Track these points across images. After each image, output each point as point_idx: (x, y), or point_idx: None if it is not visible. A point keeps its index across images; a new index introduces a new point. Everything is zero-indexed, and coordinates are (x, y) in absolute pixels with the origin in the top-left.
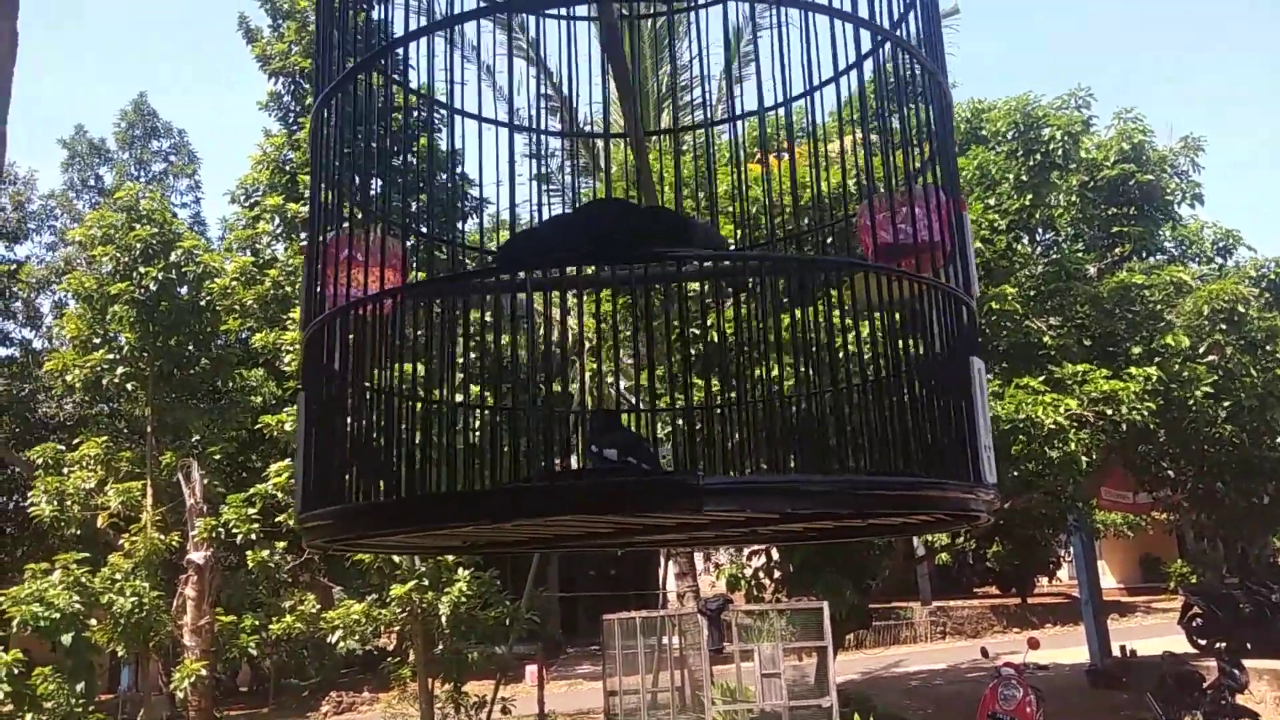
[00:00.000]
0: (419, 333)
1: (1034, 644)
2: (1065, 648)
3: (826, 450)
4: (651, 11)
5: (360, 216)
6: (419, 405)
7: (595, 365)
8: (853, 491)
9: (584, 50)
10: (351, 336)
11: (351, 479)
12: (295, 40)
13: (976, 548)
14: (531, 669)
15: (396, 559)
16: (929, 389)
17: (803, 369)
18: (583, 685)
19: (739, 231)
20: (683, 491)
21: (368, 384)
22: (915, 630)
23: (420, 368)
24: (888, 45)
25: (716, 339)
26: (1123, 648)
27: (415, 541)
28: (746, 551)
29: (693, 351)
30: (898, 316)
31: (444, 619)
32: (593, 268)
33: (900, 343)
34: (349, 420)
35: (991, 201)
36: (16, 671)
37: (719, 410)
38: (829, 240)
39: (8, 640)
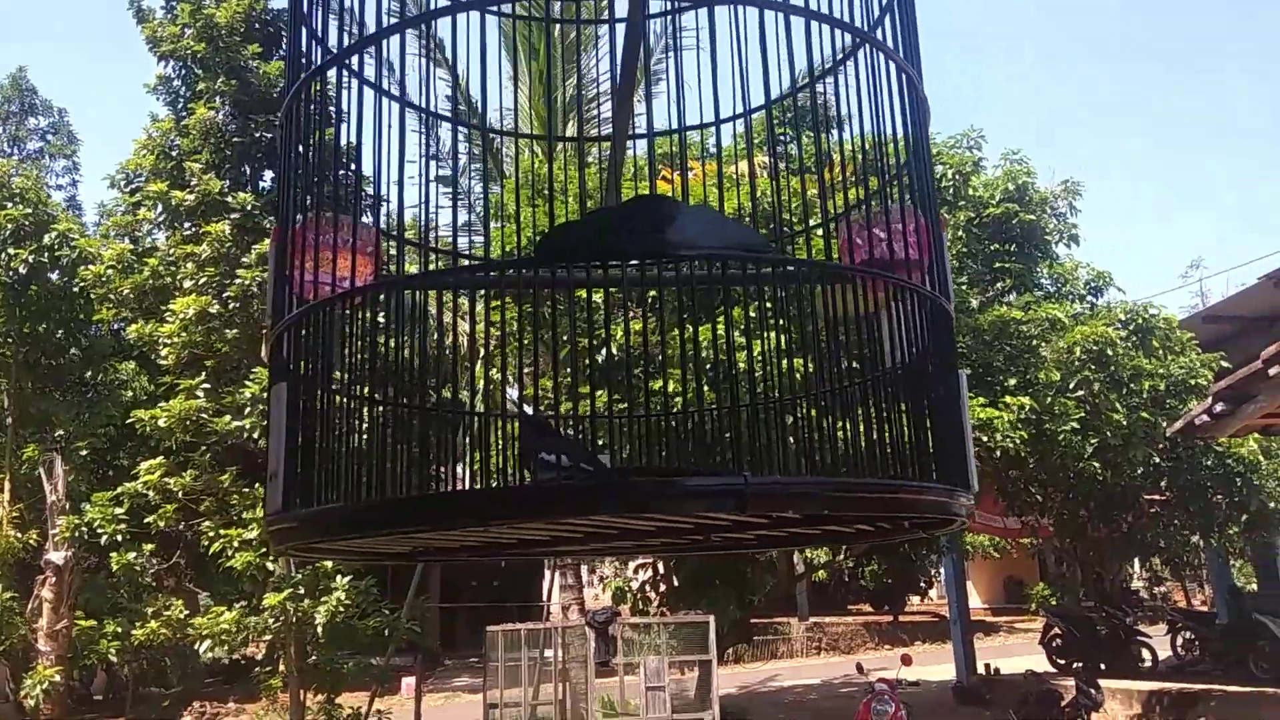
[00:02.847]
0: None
1: (907, 660)
2: (934, 665)
3: (825, 457)
4: (665, 10)
5: (325, 208)
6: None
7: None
8: (836, 493)
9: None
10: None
11: (325, 481)
12: (189, 23)
13: (854, 566)
14: (409, 681)
15: (271, 566)
16: (917, 396)
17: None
18: (460, 698)
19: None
20: (729, 493)
21: (344, 382)
22: (792, 645)
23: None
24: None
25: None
26: (987, 666)
27: (371, 546)
28: (633, 565)
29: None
30: (882, 325)
31: (320, 628)
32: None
33: (886, 351)
34: (324, 421)
35: None
36: None
37: (664, 417)
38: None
39: None
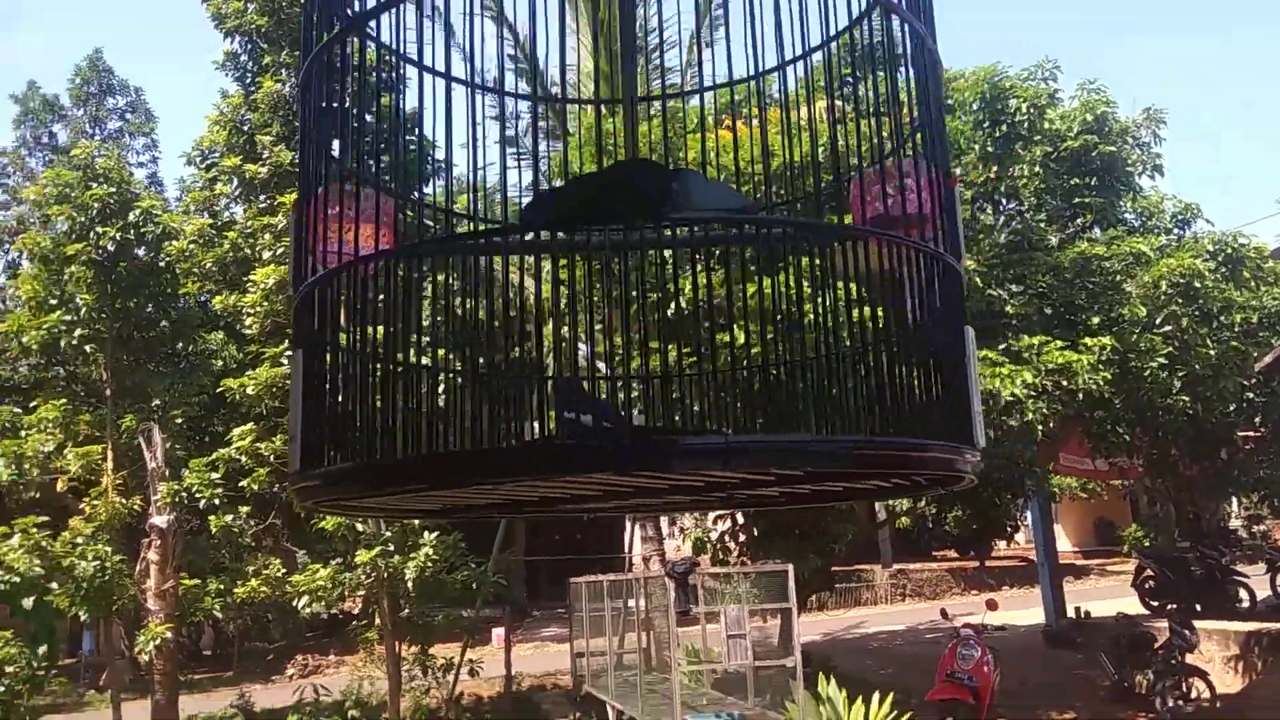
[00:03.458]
0: (404, 295)
1: (992, 605)
2: (1022, 610)
3: (821, 415)
4: None
5: (346, 177)
6: (411, 369)
7: (566, 330)
8: (857, 451)
9: (552, 12)
10: (346, 296)
11: (344, 440)
12: None
13: (937, 512)
14: (498, 632)
15: (360, 526)
16: (924, 355)
17: (779, 335)
18: (549, 647)
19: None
20: (711, 450)
21: (358, 345)
22: (876, 593)
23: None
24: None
25: (688, 305)
26: (1077, 609)
27: (397, 504)
28: (712, 516)
29: (657, 317)
30: (889, 283)
31: (410, 583)
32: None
33: (893, 310)
34: (343, 382)
35: (957, 171)
36: None
37: (688, 376)
38: (798, 208)
39: None
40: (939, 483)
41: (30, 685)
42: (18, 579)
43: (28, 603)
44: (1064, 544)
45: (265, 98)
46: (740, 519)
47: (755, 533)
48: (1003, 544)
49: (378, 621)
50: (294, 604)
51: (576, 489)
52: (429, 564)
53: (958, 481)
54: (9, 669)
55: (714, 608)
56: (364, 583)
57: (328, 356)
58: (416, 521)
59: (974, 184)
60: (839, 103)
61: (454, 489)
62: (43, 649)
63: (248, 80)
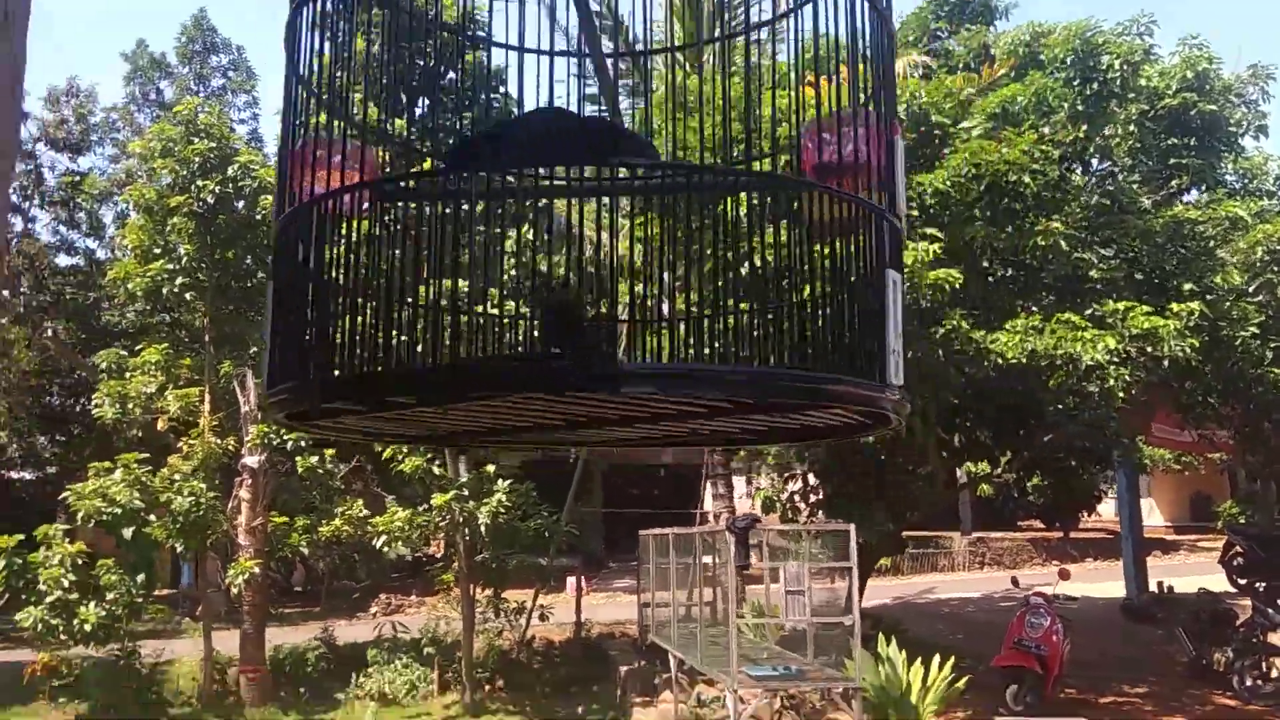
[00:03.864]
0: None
1: (1064, 575)
2: (1103, 582)
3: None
4: None
5: (337, 122)
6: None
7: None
8: (758, 382)
9: None
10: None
11: (313, 357)
12: None
13: (1016, 479)
14: (572, 580)
15: (436, 470)
16: (845, 298)
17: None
18: (621, 598)
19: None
20: (604, 374)
21: (332, 273)
22: (953, 559)
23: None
24: None
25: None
26: (1160, 584)
27: (377, 426)
28: (784, 475)
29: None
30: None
31: (483, 528)
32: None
33: (821, 256)
34: (313, 305)
35: (1045, 130)
36: (80, 563)
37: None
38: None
39: (74, 533)
40: (868, 423)
41: (129, 611)
42: (119, 510)
43: (127, 533)
44: (1156, 518)
45: (357, 55)
46: (812, 479)
47: (825, 494)
48: (1090, 516)
49: (455, 565)
50: (375, 544)
51: (542, 418)
52: (501, 510)
53: (884, 421)
54: (110, 595)
55: (775, 564)
56: (440, 525)
57: (297, 282)
58: (491, 468)
59: (1062, 143)
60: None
61: (391, 406)
62: (141, 578)
63: (338, 39)
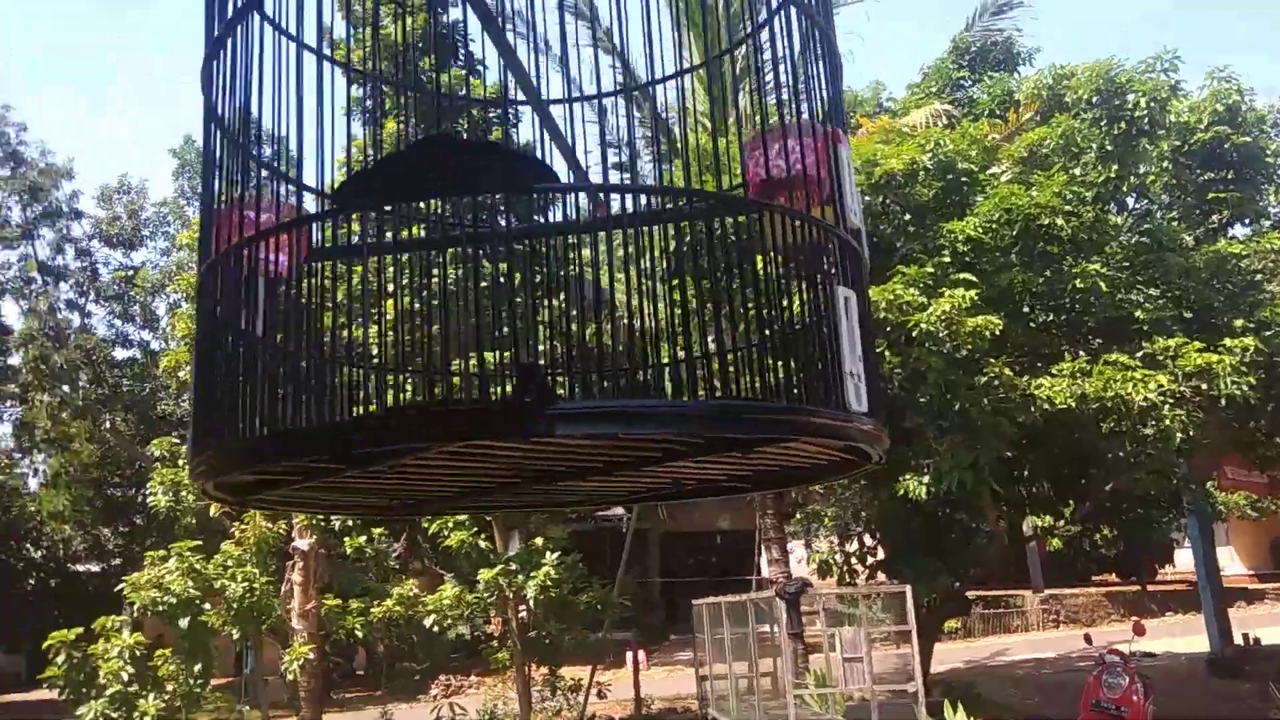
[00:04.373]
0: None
1: (1139, 630)
2: (1186, 636)
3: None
4: None
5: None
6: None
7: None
8: (698, 416)
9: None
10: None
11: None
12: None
13: (1083, 531)
14: (631, 655)
15: (482, 544)
16: (792, 323)
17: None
18: (683, 671)
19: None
20: (521, 415)
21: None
22: (1026, 619)
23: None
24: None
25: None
26: (1245, 636)
27: (331, 498)
28: (841, 536)
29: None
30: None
31: (532, 601)
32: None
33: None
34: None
35: (1076, 172)
36: (139, 654)
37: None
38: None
39: (140, 624)
40: (851, 459)
41: (187, 701)
42: (174, 599)
43: (183, 622)
44: (1237, 566)
45: (389, 138)
46: (868, 540)
47: (883, 553)
48: (1166, 566)
49: (508, 642)
50: (425, 624)
51: (490, 472)
52: (550, 584)
53: (863, 456)
54: (169, 685)
55: (830, 630)
56: (487, 601)
57: (217, 337)
58: (539, 540)
59: (1094, 184)
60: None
61: (304, 460)
62: (198, 667)
63: (373, 123)
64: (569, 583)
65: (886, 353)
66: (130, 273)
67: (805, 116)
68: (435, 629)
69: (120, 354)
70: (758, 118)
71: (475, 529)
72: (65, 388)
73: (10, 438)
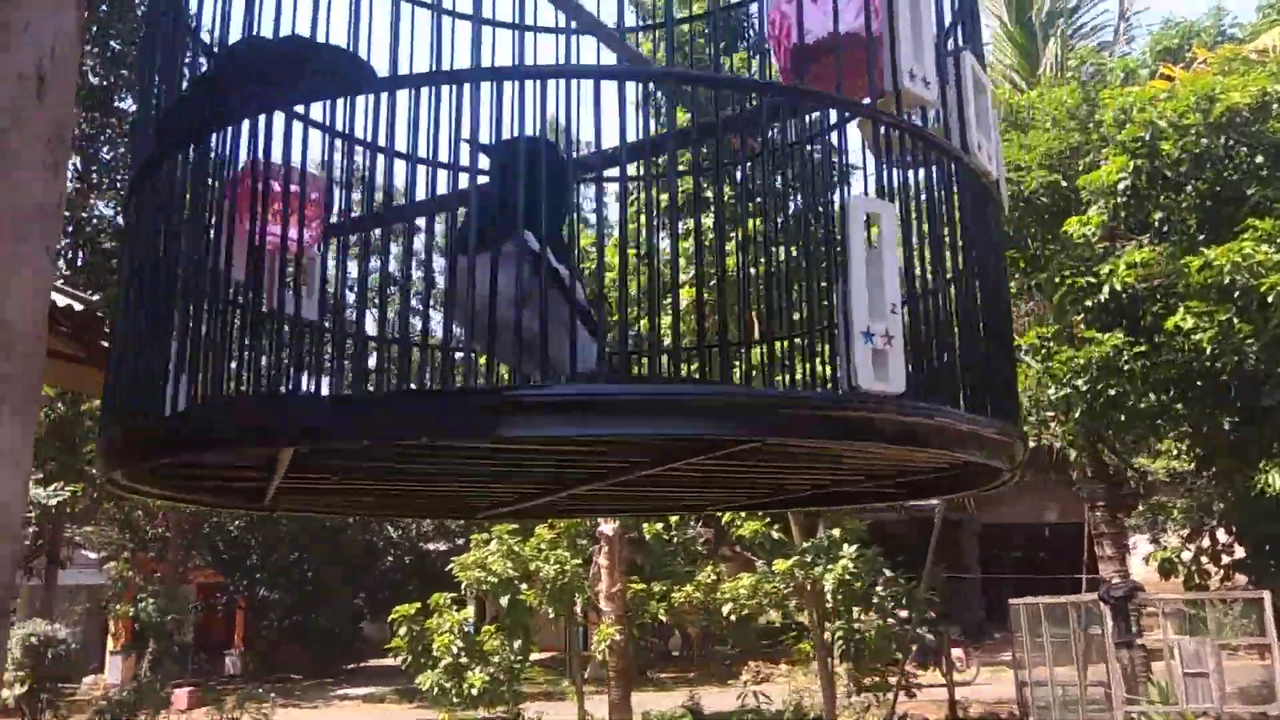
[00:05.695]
0: None
1: None
2: None
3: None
4: None
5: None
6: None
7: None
8: (725, 405)
9: None
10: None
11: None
12: None
13: None
14: (957, 653)
15: (775, 534)
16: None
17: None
18: (1006, 672)
19: None
20: (476, 408)
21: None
22: None
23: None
24: None
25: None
26: None
27: (308, 501)
28: (1187, 532)
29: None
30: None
31: (830, 594)
32: None
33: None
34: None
35: None
36: (467, 629)
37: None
38: None
39: (481, 600)
40: (966, 480)
41: (509, 674)
42: (495, 579)
43: (504, 601)
44: None
45: None
46: (1222, 536)
47: (1241, 552)
48: None
49: (811, 634)
50: (722, 610)
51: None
52: (847, 575)
53: (993, 475)
54: (494, 659)
55: (1170, 638)
56: (782, 591)
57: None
58: (836, 531)
59: None
60: None
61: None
62: (518, 643)
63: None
64: (868, 576)
65: (1236, 319)
66: None
67: None
68: (733, 617)
69: None
70: None
71: (768, 519)
72: None
73: None
